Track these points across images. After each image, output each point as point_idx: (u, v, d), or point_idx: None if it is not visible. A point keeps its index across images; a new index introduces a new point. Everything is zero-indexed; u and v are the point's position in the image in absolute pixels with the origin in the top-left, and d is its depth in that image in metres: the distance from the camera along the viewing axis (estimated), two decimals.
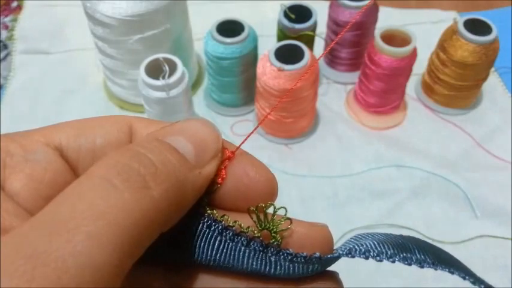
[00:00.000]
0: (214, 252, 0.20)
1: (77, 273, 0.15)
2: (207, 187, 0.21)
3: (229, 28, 0.59)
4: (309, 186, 0.58)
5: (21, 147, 0.21)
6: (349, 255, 0.19)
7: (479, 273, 0.48)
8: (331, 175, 0.59)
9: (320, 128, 0.64)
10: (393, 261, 0.18)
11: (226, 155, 0.21)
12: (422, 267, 0.19)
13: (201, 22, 0.66)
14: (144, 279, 0.21)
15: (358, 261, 0.21)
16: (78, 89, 0.69)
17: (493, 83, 0.69)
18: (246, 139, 0.22)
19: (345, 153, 0.61)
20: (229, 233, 0.20)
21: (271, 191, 0.22)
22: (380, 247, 0.19)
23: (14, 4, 0.81)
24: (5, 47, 0.75)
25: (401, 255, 0.18)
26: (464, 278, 0.19)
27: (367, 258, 0.19)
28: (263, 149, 0.62)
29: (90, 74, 0.71)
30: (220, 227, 0.20)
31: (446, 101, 0.65)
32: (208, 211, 0.20)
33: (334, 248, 0.20)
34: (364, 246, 0.19)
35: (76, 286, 0.15)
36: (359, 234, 0.20)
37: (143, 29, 0.57)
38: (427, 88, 0.66)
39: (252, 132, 0.24)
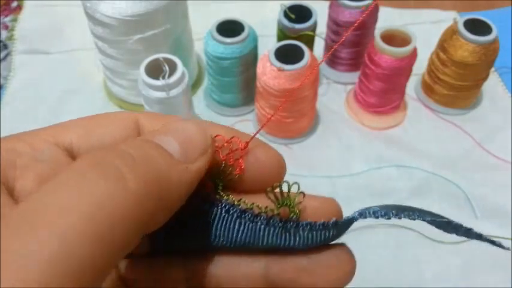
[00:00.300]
0: (234, 234, 0.20)
1: (46, 272, 0.14)
2: (225, 175, 0.21)
3: (229, 28, 0.59)
4: (309, 186, 0.58)
5: (29, 146, 0.21)
6: (362, 217, 0.21)
7: (479, 273, 0.49)
8: (331, 175, 0.59)
9: (320, 128, 0.64)
10: (399, 218, 0.22)
11: (241, 145, 0.22)
12: (424, 220, 0.22)
13: (201, 22, 0.66)
14: (163, 270, 0.22)
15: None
16: (78, 89, 0.69)
17: (493, 83, 0.69)
18: (256, 133, 0.23)
19: (345, 153, 0.61)
20: (248, 215, 0.20)
21: (281, 170, 0.22)
22: (385, 209, 0.21)
23: (14, 4, 0.81)
24: (5, 47, 0.75)
25: (405, 213, 0.22)
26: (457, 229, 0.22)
27: (377, 217, 0.21)
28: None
29: (90, 74, 0.71)
30: (238, 210, 0.20)
31: (446, 101, 0.65)
32: (225, 197, 0.21)
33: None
34: (372, 209, 0.21)
35: (46, 285, 0.14)
36: (363, 208, 0.22)
37: (143, 29, 0.57)
38: (427, 88, 0.66)
39: (259, 131, 0.25)
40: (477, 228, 0.59)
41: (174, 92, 0.54)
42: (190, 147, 0.20)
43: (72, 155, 0.22)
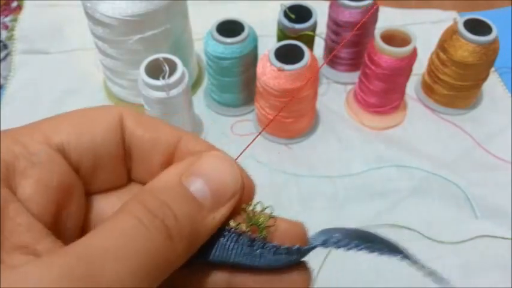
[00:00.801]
0: (210, 250, 0.22)
1: None
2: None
3: (229, 28, 0.59)
4: (309, 186, 0.58)
5: (25, 148, 0.21)
6: (324, 246, 0.22)
7: (480, 273, 0.49)
8: (331, 175, 0.59)
9: (320, 128, 0.64)
10: (360, 250, 0.22)
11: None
12: (382, 255, 0.22)
13: (201, 22, 0.66)
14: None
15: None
16: (78, 89, 0.69)
17: (493, 83, 0.69)
18: (244, 150, 0.24)
19: (345, 153, 0.61)
20: (223, 232, 0.22)
21: (252, 192, 0.24)
22: (348, 239, 0.22)
23: (14, 4, 0.81)
24: (5, 47, 0.75)
25: (367, 245, 0.22)
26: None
27: (338, 247, 0.22)
28: (263, 149, 0.62)
29: (90, 74, 0.71)
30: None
31: (446, 101, 0.65)
32: None
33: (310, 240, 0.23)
34: (336, 238, 0.22)
35: None
36: (330, 228, 0.23)
37: (143, 29, 0.57)
38: (427, 88, 0.66)
39: (250, 143, 0.26)
40: (477, 228, 0.58)
41: (174, 92, 0.54)
42: (220, 195, 0.21)
43: (64, 154, 0.22)
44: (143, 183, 0.25)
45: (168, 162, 0.24)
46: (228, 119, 0.65)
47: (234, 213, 0.22)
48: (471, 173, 0.59)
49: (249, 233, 0.22)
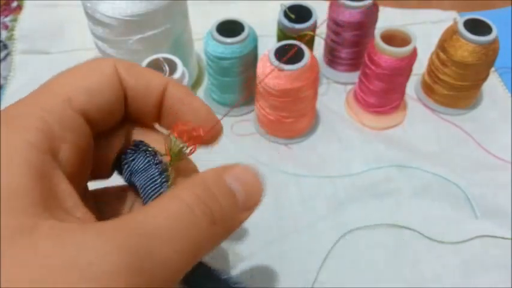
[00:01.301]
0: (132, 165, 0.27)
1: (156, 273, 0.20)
2: (181, 154, 0.27)
3: (229, 28, 0.59)
4: (309, 186, 0.58)
5: (58, 116, 0.23)
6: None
7: (480, 273, 0.48)
8: (331, 175, 0.59)
9: (320, 128, 0.64)
10: None
11: (201, 132, 0.27)
12: None
13: (201, 22, 0.66)
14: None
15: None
16: None
17: (493, 83, 0.69)
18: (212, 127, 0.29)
19: (345, 153, 0.61)
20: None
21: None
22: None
23: (14, 4, 0.81)
24: (5, 47, 0.75)
25: None
26: None
27: None
28: (263, 149, 0.62)
29: None
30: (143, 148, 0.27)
31: (446, 101, 0.65)
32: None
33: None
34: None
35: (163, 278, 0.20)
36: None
37: (143, 29, 0.57)
38: (427, 88, 0.66)
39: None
40: (477, 228, 0.59)
41: None
42: (251, 200, 0.25)
43: (83, 114, 0.25)
44: (137, 122, 0.29)
45: (159, 103, 0.28)
46: (228, 119, 0.65)
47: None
48: (471, 173, 0.59)
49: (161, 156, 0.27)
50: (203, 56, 0.64)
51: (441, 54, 0.62)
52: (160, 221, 0.21)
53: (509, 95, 0.68)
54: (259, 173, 0.26)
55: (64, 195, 0.21)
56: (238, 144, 0.62)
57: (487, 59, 0.59)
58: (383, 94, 0.62)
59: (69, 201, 0.21)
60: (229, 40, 0.58)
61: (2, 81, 0.70)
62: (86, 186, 0.28)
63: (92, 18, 0.58)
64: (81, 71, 0.28)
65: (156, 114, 0.29)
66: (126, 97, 0.28)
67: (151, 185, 0.26)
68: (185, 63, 0.57)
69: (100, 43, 0.61)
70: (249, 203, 0.25)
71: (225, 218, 0.23)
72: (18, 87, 0.70)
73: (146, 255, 0.19)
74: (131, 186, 0.28)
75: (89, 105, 0.25)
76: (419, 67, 0.65)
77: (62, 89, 0.26)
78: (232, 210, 0.24)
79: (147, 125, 0.30)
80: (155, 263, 0.19)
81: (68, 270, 0.17)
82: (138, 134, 0.29)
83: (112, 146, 0.28)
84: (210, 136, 0.29)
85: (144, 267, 0.19)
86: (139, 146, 0.27)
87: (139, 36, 0.57)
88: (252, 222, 0.32)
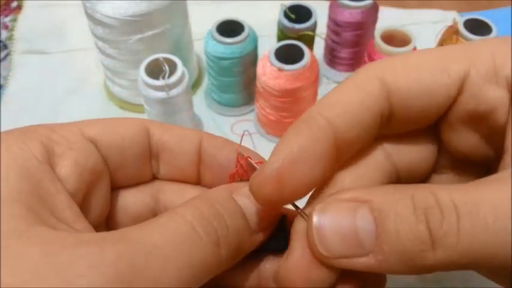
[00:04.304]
0: None
1: None
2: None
3: (229, 28, 0.59)
4: None
5: (63, 137, 0.23)
6: None
7: (479, 273, 0.48)
8: None
9: None
10: None
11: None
12: None
13: (201, 22, 0.66)
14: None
15: None
16: (78, 89, 0.69)
17: None
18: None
19: None
20: None
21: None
22: None
23: (14, 4, 0.81)
24: (5, 47, 0.75)
25: None
26: None
27: None
28: (263, 149, 0.62)
29: (90, 74, 0.71)
30: None
31: None
32: None
33: None
34: None
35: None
36: None
37: (143, 29, 0.57)
38: None
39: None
40: None
41: (174, 92, 0.54)
42: (264, 221, 0.23)
43: (96, 145, 0.25)
44: (170, 180, 0.27)
45: (194, 159, 0.27)
46: (228, 119, 0.65)
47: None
48: None
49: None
50: (203, 56, 0.64)
51: None
52: (158, 237, 0.19)
53: None
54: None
55: (62, 206, 0.21)
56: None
57: None
58: None
59: (68, 213, 0.21)
60: (229, 40, 0.58)
61: (2, 81, 0.70)
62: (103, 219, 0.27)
63: (92, 18, 0.58)
64: (110, 119, 0.26)
65: (194, 170, 0.27)
66: (158, 154, 0.27)
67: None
68: (185, 63, 0.57)
69: (100, 43, 0.61)
70: (262, 225, 0.23)
71: (231, 240, 0.21)
72: (18, 87, 0.70)
73: (139, 271, 0.18)
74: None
75: (107, 146, 0.25)
76: None
77: (80, 123, 0.25)
78: (240, 233, 0.22)
79: (183, 182, 0.28)
80: (148, 280, 0.18)
81: (55, 279, 0.17)
82: (173, 192, 0.27)
83: (135, 202, 0.27)
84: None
85: (136, 283, 0.18)
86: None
87: (139, 36, 0.57)
88: None
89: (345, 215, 0.20)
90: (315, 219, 0.20)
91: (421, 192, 0.19)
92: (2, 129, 0.24)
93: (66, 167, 0.22)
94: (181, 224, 0.20)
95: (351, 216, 0.19)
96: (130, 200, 0.27)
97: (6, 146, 0.21)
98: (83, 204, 0.23)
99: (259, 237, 0.23)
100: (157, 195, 0.27)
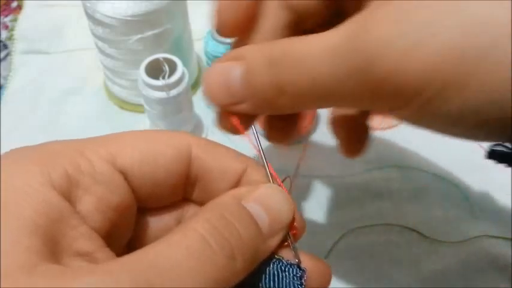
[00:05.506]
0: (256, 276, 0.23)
1: None
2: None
3: None
4: (309, 186, 0.58)
5: (90, 165, 0.22)
6: None
7: (480, 273, 0.48)
8: (331, 175, 0.59)
9: (320, 128, 0.64)
10: None
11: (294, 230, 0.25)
12: None
13: (201, 22, 0.66)
14: None
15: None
16: (78, 89, 0.69)
17: None
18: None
19: None
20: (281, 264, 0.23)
21: (304, 229, 0.26)
22: None
23: (14, 4, 0.81)
24: (5, 47, 0.75)
25: None
26: None
27: None
28: (263, 149, 0.62)
29: (90, 74, 0.71)
30: (284, 264, 0.24)
31: None
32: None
33: None
34: None
35: None
36: None
37: (143, 29, 0.57)
38: None
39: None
40: (477, 228, 0.58)
41: (174, 92, 0.54)
42: (276, 223, 0.23)
43: (126, 177, 0.23)
44: (202, 203, 0.26)
45: (233, 187, 0.25)
46: None
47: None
48: (471, 173, 0.59)
49: (298, 263, 0.23)
50: (203, 56, 0.64)
51: None
52: (173, 257, 0.19)
53: None
54: (287, 194, 0.24)
55: (83, 239, 0.20)
56: (238, 145, 0.62)
57: None
58: None
59: (88, 244, 0.20)
60: (229, 40, 0.58)
61: (2, 81, 0.70)
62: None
63: (92, 18, 0.58)
64: (148, 138, 0.24)
65: None
66: (196, 178, 0.25)
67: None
68: (185, 63, 0.57)
69: (100, 43, 0.61)
70: (275, 229, 0.23)
71: (245, 251, 0.21)
72: (18, 87, 0.70)
73: None
74: None
75: (139, 176, 0.23)
76: None
77: (114, 144, 0.23)
78: (254, 240, 0.21)
79: None
80: None
81: None
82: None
83: (160, 225, 0.26)
84: (299, 233, 0.25)
85: None
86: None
87: (139, 36, 0.57)
88: None
89: (222, 71, 0.25)
90: (207, 70, 0.26)
91: (276, 46, 0.23)
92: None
93: (88, 204, 0.21)
94: (195, 240, 0.20)
95: (227, 72, 0.25)
96: (155, 223, 0.26)
97: (29, 175, 0.20)
98: (105, 234, 0.22)
99: (274, 242, 0.23)
100: (183, 218, 0.26)
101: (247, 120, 0.28)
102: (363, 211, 0.56)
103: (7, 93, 0.69)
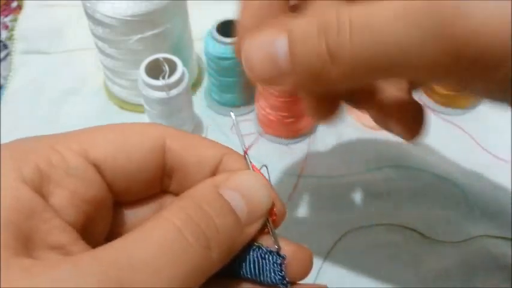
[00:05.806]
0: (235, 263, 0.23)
1: None
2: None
3: (229, 28, 0.59)
4: (309, 186, 0.58)
5: (62, 159, 0.22)
6: None
7: (480, 273, 0.48)
8: (331, 175, 0.59)
9: (320, 128, 0.64)
10: None
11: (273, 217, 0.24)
12: None
13: (201, 22, 0.66)
14: None
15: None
16: (78, 89, 0.69)
17: None
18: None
19: (345, 153, 0.61)
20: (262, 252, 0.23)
21: (284, 215, 0.25)
22: None
23: (14, 4, 0.81)
24: (5, 47, 0.75)
25: None
26: None
27: None
28: (263, 149, 0.62)
29: (90, 74, 0.71)
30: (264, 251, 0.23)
31: (446, 101, 0.65)
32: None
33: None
34: None
35: None
36: None
37: (143, 29, 0.57)
38: (427, 88, 0.66)
39: None
40: (477, 228, 0.58)
41: (174, 92, 0.54)
42: (255, 210, 0.22)
43: (99, 170, 0.23)
44: (179, 194, 0.25)
45: (209, 176, 0.25)
46: (228, 119, 0.65)
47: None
48: (471, 173, 0.59)
49: (278, 250, 0.23)
50: (203, 56, 0.64)
51: None
52: (146, 248, 0.18)
53: None
54: (265, 180, 0.23)
55: (56, 232, 0.20)
56: (238, 144, 0.62)
57: None
58: None
59: (63, 237, 0.20)
60: (229, 40, 0.58)
61: (2, 81, 0.70)
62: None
63: (92, 18, 0.58)
64: (121, 130, 0.24)
65: None
66: (172, 170, 0.25)
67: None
68: (185, 63, 0.57)
69: (100, 43, 0.61)
70: (253, 216, 0.22)
71: (222, 241, 0.20)
72: (18, 87, 0.70)
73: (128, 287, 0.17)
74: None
75: (112, 169, 0.23)
76: None
77: (86, 137, 0.23)
78: (231, 230, 0.21)
79: None
80: None
81: None
82: None
83: (139, 217, 0.25)
84: (278, 220, 0.25)
85: None
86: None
87: (139, 36, 0.57)
88: None
89: (264, 42, 0.22)
90: (245, 44, 0.23)
91: (328, 11, 0.20)
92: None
93: (61, 197, 0.21)
94: (169, 231, 0.19)
95: (270, 44, 0.22)
96: (134, 216, 0.26)
97: (1, 171, 0.20)
98: (81, 228, 0.22)
99: (252, 229, 0.22)
100: (162, 208, 0.26)
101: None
102: (363, 211, 0.56)
103: (7, 93, 0.69)
